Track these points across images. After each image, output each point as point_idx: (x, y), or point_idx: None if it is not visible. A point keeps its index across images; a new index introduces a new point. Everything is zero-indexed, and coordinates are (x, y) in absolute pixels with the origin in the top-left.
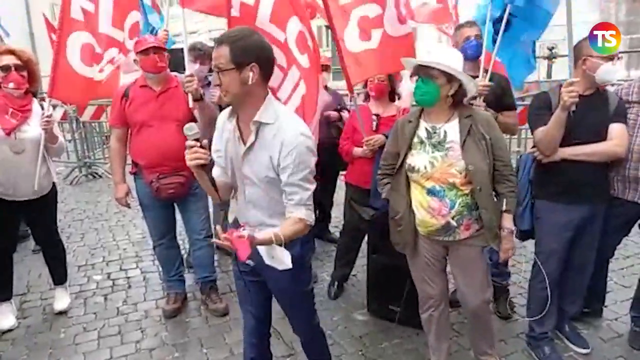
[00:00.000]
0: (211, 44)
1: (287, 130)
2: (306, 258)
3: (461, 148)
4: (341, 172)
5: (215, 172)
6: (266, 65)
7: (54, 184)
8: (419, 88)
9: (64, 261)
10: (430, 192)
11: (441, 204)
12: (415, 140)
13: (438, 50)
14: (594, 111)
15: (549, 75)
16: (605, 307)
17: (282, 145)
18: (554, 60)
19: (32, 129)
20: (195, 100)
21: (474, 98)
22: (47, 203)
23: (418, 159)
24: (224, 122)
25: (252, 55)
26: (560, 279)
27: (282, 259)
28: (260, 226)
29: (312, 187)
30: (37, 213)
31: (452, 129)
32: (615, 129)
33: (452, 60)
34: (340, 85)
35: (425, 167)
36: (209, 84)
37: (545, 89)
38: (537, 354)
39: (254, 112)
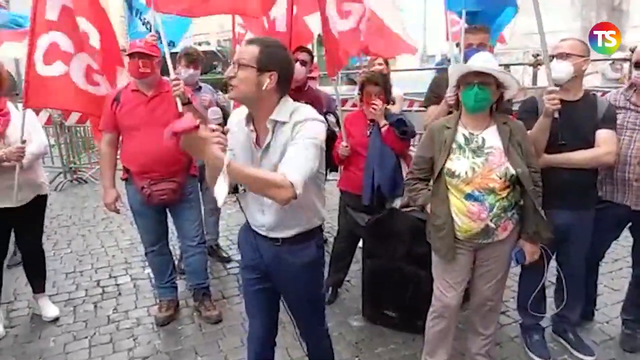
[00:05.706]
0: (197, 48)
1: (300, 114)
2: (321, 261)
3: (505, 154)
4: (330, 178)
5: None
6: (285, 79)
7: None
8: (476, 95)
9: (44, 270)
10: (470, 196)
11: (481, 207)
12: (454, 145)
13: (489, 58)
14: (580, 116)
15: (534, 82)
16: (597, 310)
17: (294, 126)
18: (539, 67)
19: (16, 132)
20: (183, 104)
21: None
22: (35, 211)
23: (458, 164)
24: (238, 124)
25: (277, 65)
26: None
27: (217, 190)
28: (275, 229)
29: (315, 162)
30: (27, 220)
31: (490, 135)
32: (604, 136)
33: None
34: (328, 89)
35: (466, 173)
36: (199, 88)
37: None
38: (525, 340)
39: (267, 114)
